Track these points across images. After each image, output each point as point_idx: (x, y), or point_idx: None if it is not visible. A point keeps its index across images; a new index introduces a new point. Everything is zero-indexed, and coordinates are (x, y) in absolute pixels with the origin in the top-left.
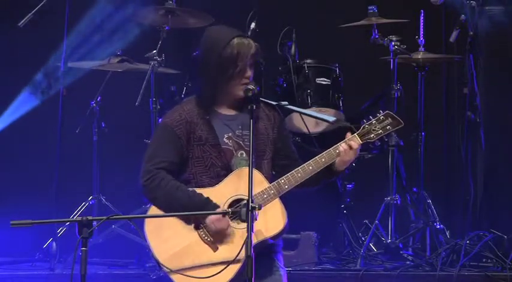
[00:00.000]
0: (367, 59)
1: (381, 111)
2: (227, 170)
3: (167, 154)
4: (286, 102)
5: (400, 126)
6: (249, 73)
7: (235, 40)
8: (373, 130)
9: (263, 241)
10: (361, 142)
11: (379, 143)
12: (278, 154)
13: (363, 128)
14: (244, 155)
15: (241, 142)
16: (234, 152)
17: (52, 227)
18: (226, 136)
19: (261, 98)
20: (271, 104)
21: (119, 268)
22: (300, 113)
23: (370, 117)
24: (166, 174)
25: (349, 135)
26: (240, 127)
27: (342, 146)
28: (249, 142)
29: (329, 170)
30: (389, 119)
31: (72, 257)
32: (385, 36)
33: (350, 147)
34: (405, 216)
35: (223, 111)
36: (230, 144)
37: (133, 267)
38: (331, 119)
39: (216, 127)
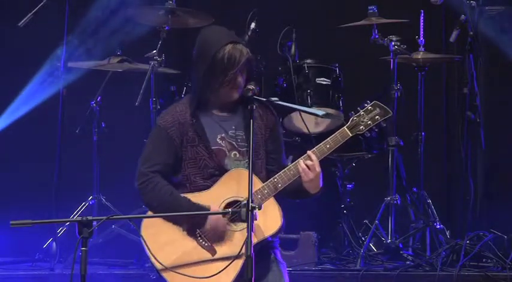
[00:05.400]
0: (367, 59)
1: (368, 101)
2: (220, 170)
3: (161, 156)
4: (276, 98)
5: (389, 116)
6: (239, 80)
7: (228, 47)
8: (362, 121)
9: (263, 240)
10: (318, 158)
11: (369, 134)
12: (268, 157)
13: (351, 121)
14: (238, 155)
15: (234, 142)
16: (226, 152)
17: (52, 227)
18: (219, 136)
19: (254, 97)
20: (264, 103)
21: (119, 268)
22: (291, 108)
23: (358, 108)
24: (160, 178)
25: (308, 152)
26: (233, 127)
27: (300, 165)
28: (243, 142)
29: (301, 189)
30: (378, 109)
31: (72, 257)
32: (385, 36)
33: (307, 166)
34: (405, 216)
35: (216, 112)
36: (223, 144)
37: (133, 267)
38: (320, 113)
39: (209, 128)
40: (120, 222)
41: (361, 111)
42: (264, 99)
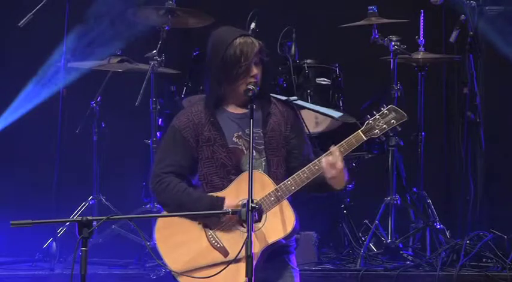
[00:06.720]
0: (367, 59)
1: (384, 105)
2: (237, 169)
3: (175, 158)
4: (295, 98)
5: (404, 120)
6: (255, 71)
7: (238, 40)
8: (377, 125)
9: (275, 243)
10: (341, 154)
11: (384, 138)
12: (291, 153)
13: (367, 124)
14: (255, 153)
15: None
16: (244, 150)
17: (52, 227)
18: (235, 135)
19: (272, 95)
20: (282, 99)
21: (119, 268)
22: (308, 108)
23: (374, 112)
24: (173, 178)
25: (331, 147)
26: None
27: (323, 161)
28: (260, 140)
29: (326, 183)
30: (393, 113)
31: (72, 257)
32: (385, 36)
33: (330, 164)
34: (405, 216)
35: (232, 110)
36: (240, 143)
37: (133, 267)
38: (338, 114)
39: (226, 126)
40: (120, 222)
41: (377, 115)
42: (284, 98)
